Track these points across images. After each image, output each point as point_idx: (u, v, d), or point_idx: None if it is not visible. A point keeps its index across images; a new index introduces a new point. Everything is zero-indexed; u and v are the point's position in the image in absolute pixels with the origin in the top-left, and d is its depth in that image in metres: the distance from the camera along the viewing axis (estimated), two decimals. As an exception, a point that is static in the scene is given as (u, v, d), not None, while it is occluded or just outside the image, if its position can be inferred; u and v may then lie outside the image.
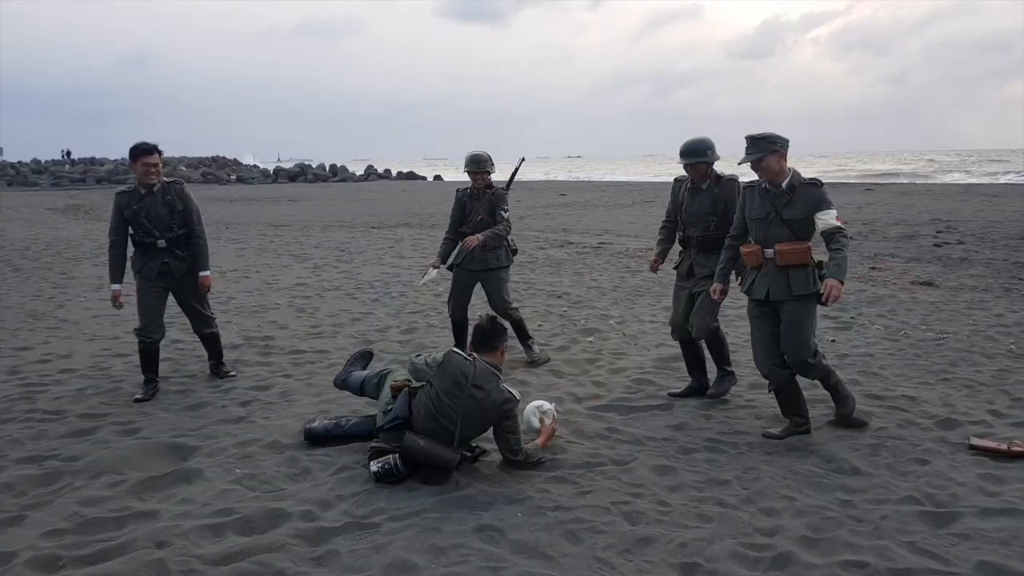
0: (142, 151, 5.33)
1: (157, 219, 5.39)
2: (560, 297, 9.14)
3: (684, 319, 5.37)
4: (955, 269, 11.68)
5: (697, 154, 5.16)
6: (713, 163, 5.22)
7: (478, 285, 6.49)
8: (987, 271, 11.44)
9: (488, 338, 4.24)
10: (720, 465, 4.22)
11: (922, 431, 4.72)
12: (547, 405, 4.61)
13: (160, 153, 5.44)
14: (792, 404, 4.75)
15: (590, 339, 7.02)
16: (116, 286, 5.52)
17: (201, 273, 5.59)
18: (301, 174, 55.38)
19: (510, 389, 4.17)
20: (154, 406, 5.22)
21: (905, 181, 42.09)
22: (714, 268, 4.99)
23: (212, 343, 5.88)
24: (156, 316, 5.51)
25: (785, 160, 4.60)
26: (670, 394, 5.47)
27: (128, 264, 5.56)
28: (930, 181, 42.74)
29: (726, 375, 5.51)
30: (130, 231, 5.46)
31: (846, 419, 4.80)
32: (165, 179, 5.50)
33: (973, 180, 42.64)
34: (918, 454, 4.35)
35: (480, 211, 6.33)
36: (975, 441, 4.47)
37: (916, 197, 27.24)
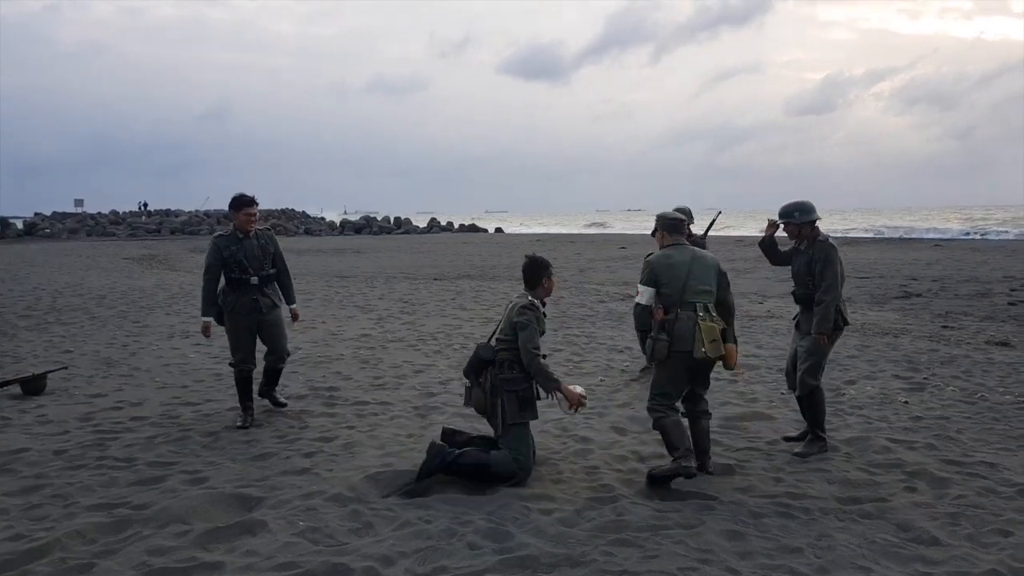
0: (245, 203, 6.07)
1: (252, 259, 6.09)
2: (622, 352, 9.07)
3: (793, 371, 5.59)
4: (1034, 329, 11.22)
5: (785, 215, 5.49)
6: (802, 223, 5.40)
7: None
8: (1069, 331, 10.96)
9: (529, 276, 4.98)
10: (791, 531, 4.09)
11: (1003, 500, 4.50)
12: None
13: (257, 204, 6.18)
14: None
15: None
16: (208, 318, 6.19)
17: (291, 306, 6.44)
18: (366, 226, 56.74)
19: (535, 302, 4.90)
20: (221, 455, 5.33)
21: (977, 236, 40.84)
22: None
23: (277, 376, 6.48)
24: (250, 348, 6.17)
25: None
26: (785, 438, 5.70)
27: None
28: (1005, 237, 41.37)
29: (816, 439, 5.44)
30: (223, 271, 6.11)
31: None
32: (257, 227, 6.22)
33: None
34: (1000, 524, 4.15)
35: None
36: (1063, 513, 4.24)
37: (987, 254, 26.36)
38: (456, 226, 61.98)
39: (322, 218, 67.40)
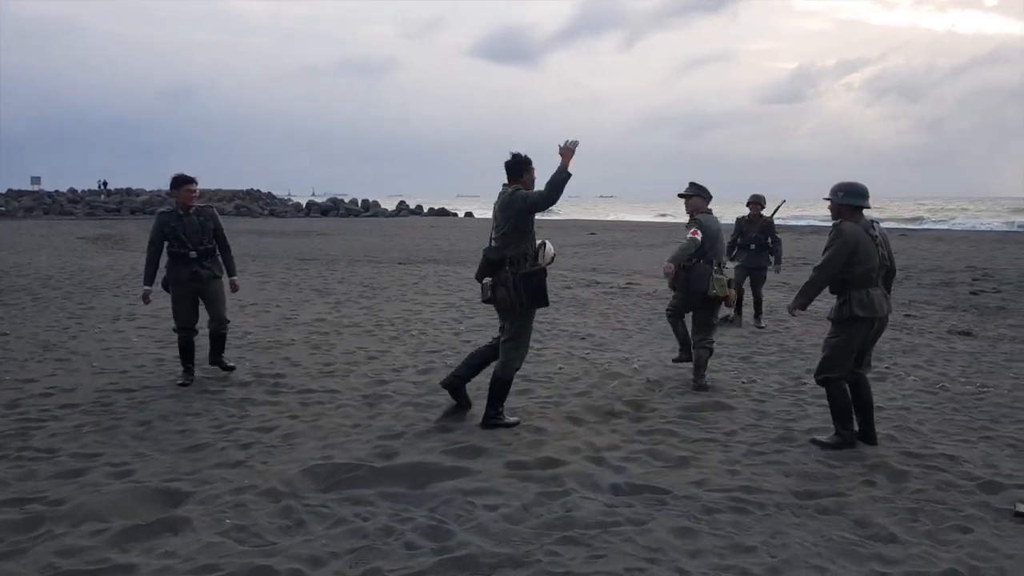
0: (185, 180, 6.51)
1: (192, 234, 6.51)
2: (584, 339, 8.88)
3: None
4: (992, 318, 11.27)
5: (831, 192, 5.17)
6: (841, 204, 5.09)
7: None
8: (1027, 321, 11.00)
9: (512, 168, 5.43)
10: (745, 528, 3.91)
11: (963, 494, 4.38)
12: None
13: (196, 182, 6.61)
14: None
15: (613, 384, 6.74)
16: (148, 287, 6.56)
17: (232, 277, 6.82)
18: (333, 208, 55.96)
19: (521, 190, 5.30)
20: (151, 446, 5.03)
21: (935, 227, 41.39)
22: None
23: (221, 341, 6.87)
24: (190, 317, 6.62)
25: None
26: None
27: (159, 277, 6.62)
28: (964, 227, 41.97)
29: (835, 433, 5.19)
30: (166, 244, 6.51)
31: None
32: (198, 204, 6.65)
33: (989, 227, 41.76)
34: (960, 520, 4.02)
35: (754, 231, 9.99)
36: (1022, 508, 4.12)
37: (951, 243, 26.66)
38: (426, 210, 61.42)
39: (289, 200, 66.40)
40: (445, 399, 6.18)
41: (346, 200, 61.35)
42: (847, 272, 4.95)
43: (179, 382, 6.53)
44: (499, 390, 5.51)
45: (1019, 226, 41.43)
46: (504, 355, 5.49)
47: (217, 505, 4.07)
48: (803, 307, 5.26)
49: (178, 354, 6.72)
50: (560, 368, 7.33)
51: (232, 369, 6.92)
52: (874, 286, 5.01)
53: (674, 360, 7.29)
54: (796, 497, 4.32)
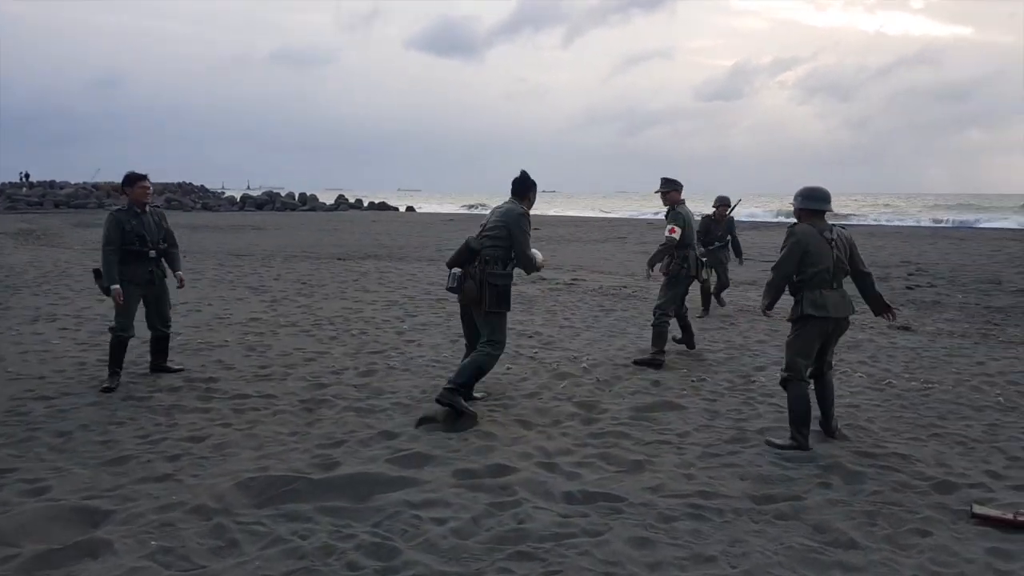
0: (140, 177, 6.49)
1: (151, 233, 6.46)
2: (531, 337, 8.69)
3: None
4: (929, 312, 11.48)
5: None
6: (797, 207, 5.25)
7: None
8: (961, 315, 11.26)
9: (519, 187, 5.80)
10: (704, 537, 3.77)
11: (919, 495, 4.33)
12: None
13: (149, 179, 6.61)
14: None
15: (563, 384, 6.57)
16: (116, 286, 6.25)
17: (178, 272, 6.73)
18: (269, 202, 54.60)
19: (526, 210, 5.74)
20: (70, 459, 4.65)
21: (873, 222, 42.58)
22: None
23: (165, 343, 6.78)
24: (133, 316, 6.43)
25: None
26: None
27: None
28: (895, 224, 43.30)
29: (791, 437, 5.10)
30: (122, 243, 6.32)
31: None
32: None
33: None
34: (918, 523, 3.95)
35: (720, 230, 10.69)
36: (978, 510, 4.08)
37: (885, 239, 27.37)
38: (365, 204, 60.50)
39: (222, 193, 64.60)
40: (387, 403, 5.93)
41: (282, 194, 59.95)
42: (801, 272, 5.03)
43: (105, 386, 6.18)
44: (470, 375, 5.54)
45: (955, 223, 42.99)
46: (481, 355, 5.59)
47: (141, 525, 3.75)
48: (770, 306, 5.26)
49: (107, 356, 6.41)
50: (508, 369, 7.13)
51: (180, 371, 6.74)
52: (828, 287, 5.03)
53: (675, 340, 8.10)
54: (753, 502, 4.21)
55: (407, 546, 3.57)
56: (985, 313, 11.51)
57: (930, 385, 6.76)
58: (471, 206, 70.28)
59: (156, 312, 6.60)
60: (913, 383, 6.84)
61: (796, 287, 5.08)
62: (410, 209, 60.56)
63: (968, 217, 46.08)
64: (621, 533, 3.76)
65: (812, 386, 5.26)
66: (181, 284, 6.75)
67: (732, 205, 11.06)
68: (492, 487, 4.26)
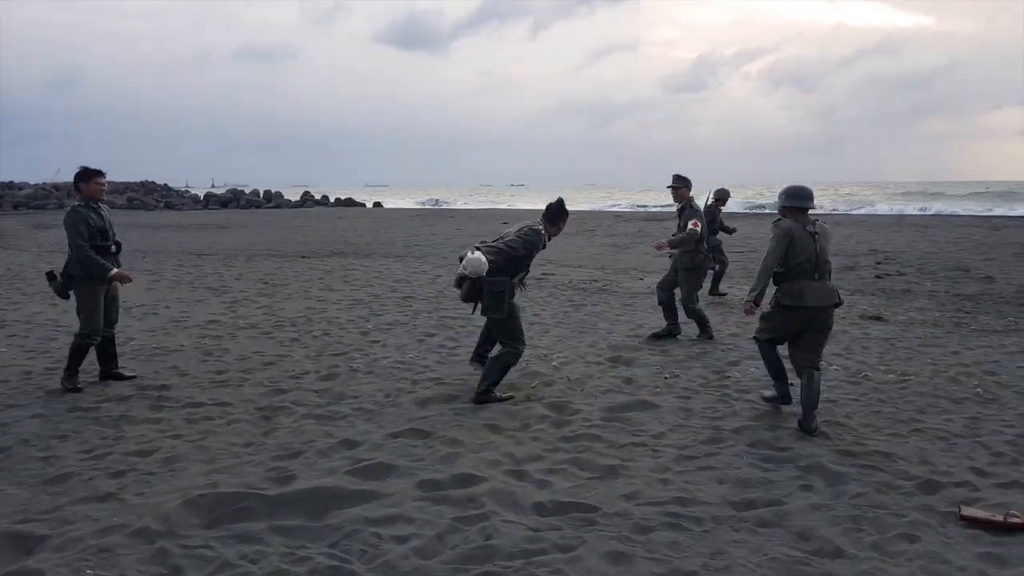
0: (96, 172, 6.21)
1: (111, 228, 6.28)
2: (498, 335, 8.44)
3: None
4: (900, 302, 11.45)
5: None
6: (781, 205, 5.53)
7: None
8: (931, 304, 11.24)
9: (552, 213, 6.06)
10: (683, 548, 3.56)
11: (904, 496, 4.17)
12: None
13: (105, 175, 6.35)
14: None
15: (533, 385, 6.34)
16: (115, 270, 6.15)
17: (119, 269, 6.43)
18: (233, 200, 53.63)
19: (542, 229, 5.93)
20: (7, 478, 4.32)
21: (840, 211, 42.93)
22: None
23: (113, 345, 6.48)
24: (102, 317, 6.22)
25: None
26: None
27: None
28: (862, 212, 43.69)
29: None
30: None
31: None
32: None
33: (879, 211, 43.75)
34: (905, 527, 3.79)
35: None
36: (966, 512, 3.92)
37: (851, 228, 27.50)
38: (332, 200, 59.73)
39: (186, 191, 63.40)
40: (349, 409, 5.66)
41: (247, 191, 58.97)
42: (784, 263, 5.29)
43: (68, 387, 6.06)
44: (498, 372, 5.91)
45: (919, 209, 43.49)
46: (504, 353, 5.95)
47: (77, 551, 3.46)
48: (759, 297, 5.45)
49: (55, 364, 6.32)
50: (476, 369, 6.86)
51: (132, 378, 6.43)
52: (809, 278, 5.26)
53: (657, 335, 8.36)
54: (733, 508, 4.02)
55: (365, 568, 3.32)
56: (955, 301, 11.50)
57: (907, 377, 6.63)
58: (435, 201, 69.66)
59: (106, 312, 6.30)
60: (890, 375, 6.71)
61: (779, 277, 5.34)
62: (377, 205, 59.91)
63: (946, 206, 46.37)
64: (595, 547, 3.54)
65: (798, 385, 5.44)
66: (127, 280, 6.48)
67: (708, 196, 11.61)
68: (458, 499, 4.02)
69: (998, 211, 39.76)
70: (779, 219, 5.41)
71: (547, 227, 5.98)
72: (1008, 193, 59.17)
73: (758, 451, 4.85)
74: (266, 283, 12.69)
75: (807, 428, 5.17)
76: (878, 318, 9.76)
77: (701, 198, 10.30)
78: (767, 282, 5.40)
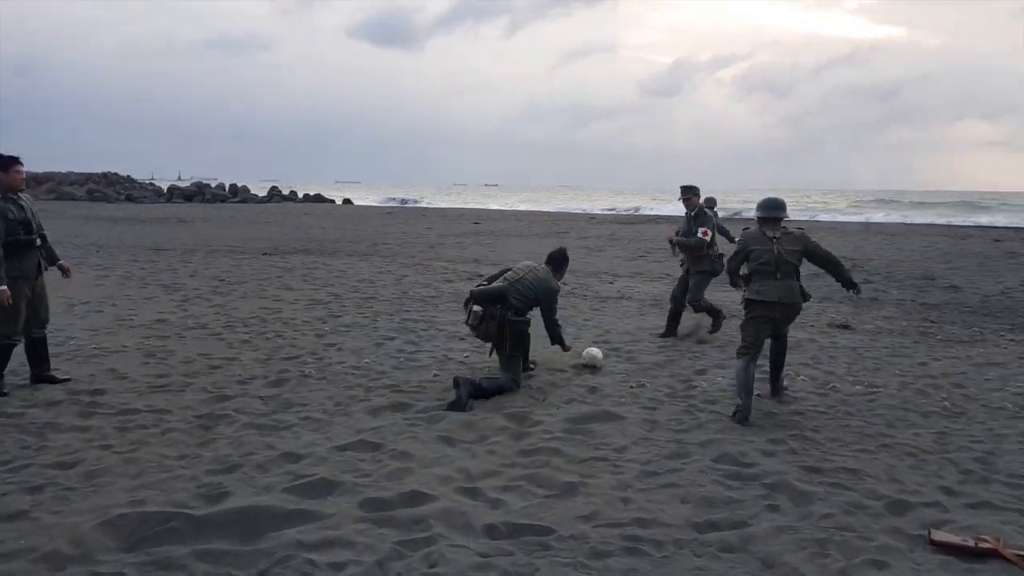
0: (12, 160, 5.77)
1: (34, 220, 5.88)
2: (463, 339, 8.16)
3: None
4: (867, 310, 11.36)
5: None
6: (756, 215, 6.19)
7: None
8: (899, 312, 11.17)
9: (558, 262, 6.66)
10: (642, 576, 3.33)
11: (872, 518, 3.97)
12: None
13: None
14: None
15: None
16: (3, 287, 5.61)
17: (60, 262, 6.24)
18: (198, 194, 52.64)
19: (559, 287, 6.49)
20: (-91, 494, 3.96)
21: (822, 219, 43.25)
22: None
23: (45, 346, 6.09)
24: (24, 316, 5.81)
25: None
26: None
27: None
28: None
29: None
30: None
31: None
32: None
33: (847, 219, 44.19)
34: (873, 553, 3.59)
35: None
36: (936, 536, 3.74)
37: (819, 235, 27.51)
38: (300, 196, 58.95)
39: (150, 184, 62.16)
40: (296, 418, 5.36)
41: (212, 185, 57.94)
42: (748, 266, 5.90)
43: (3, 391, 5.71)
44: (492, 389, 5.95)
45: (888, 216, 43.77)
46: (506, 379, 6.09)
47: (-25, 580, 3.12)
48: (735, 283, 6.38)
49: None
50: (436, 375, 6.60)
51: (66, 381, 6.05)
52: (772, 278, 5.79)
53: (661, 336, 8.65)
54: (695, 530, 3.79)
55: (295, 601, 3.03)
56: (922, 310, 11.45)
57: (875, 389, 6.48)
58: (402, 200, 68.91)
59: (39, 309, 5.97)
60: (858, 387, 6.55)
61: (746, 278, 5.98)
62: (347, 202, 59.25)
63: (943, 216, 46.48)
64: (549, 574, 3.29)
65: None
66: (67, 273, 6.27)
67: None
68: (404, 521, 3.74)
69: (960, 220, 40.35)
70: (747, 228, 6.19)
71: (555, 276, 6.50)
72: (962, 203, 60.12)
73: (723, 467, 4.64)
74: (222, 280, 12.27)
75: (775, 389, 6.06)
76: (846, 327, 9.65)
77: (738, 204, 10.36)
78: (734, 282, 6.34)
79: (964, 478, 4.55)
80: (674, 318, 8.73)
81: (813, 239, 6.13)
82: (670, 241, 8.80)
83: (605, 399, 6.05)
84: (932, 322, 10.35)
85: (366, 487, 4.13)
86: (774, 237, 5.83)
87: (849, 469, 4.62)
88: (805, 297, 5.95)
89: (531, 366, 6.36)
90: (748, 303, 5.85)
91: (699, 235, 8.46)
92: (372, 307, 10.02)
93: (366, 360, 7.06)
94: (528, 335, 6.21)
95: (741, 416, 5.54)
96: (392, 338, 8.09)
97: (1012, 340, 9.02)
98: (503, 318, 5.99)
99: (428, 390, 6.14)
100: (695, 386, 6.51)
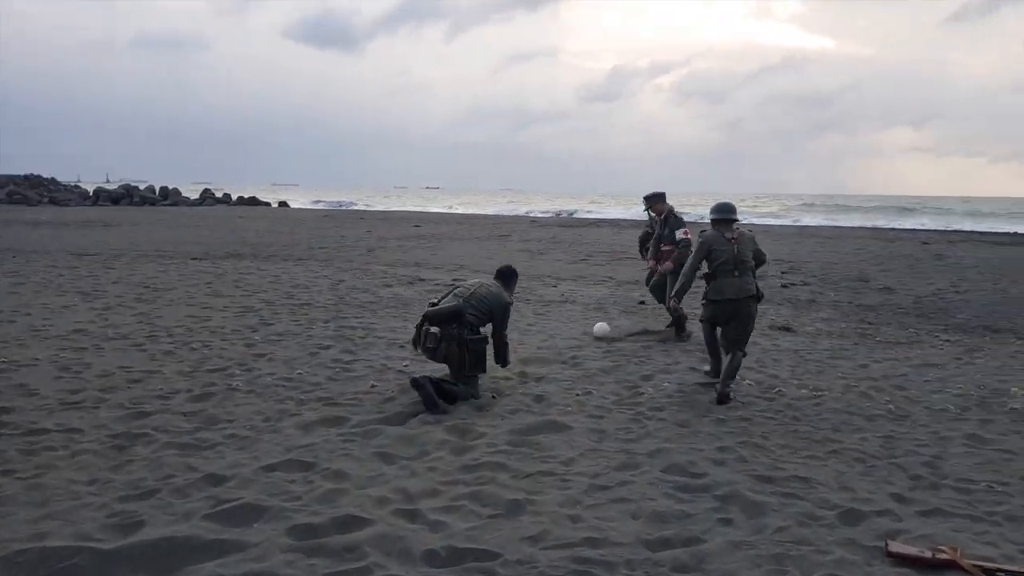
0: None
1: None
2: (403, 347, 7.86)
3: None
4: (806, 311, 11.47)
5: None
6: (710, 218, 6.72)
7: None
8: (836, 314, 11.30)
9: (507, 277, 6.52)
10: (592, 604, 3.12)
11: (826, 529, 3.86)
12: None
13: None
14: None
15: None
16: None
17: None
18: (127, 196, 50.72)
19: (511, 302, 6.29)
20: None
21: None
22: None
23: None
24: None
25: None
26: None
27: None
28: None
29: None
30: None
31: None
32: None
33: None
34: (831, 567, 3.46)
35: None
36: (893, 547, 3.63)
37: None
38: (234, 199, 57.42)
39: (76, 186, 59.74)
40: (220, 436, 5.00)
41: (142, 187, 55.98)
42: (709, 265, 6.38)
43: None
44: (451, 394, 5.82)
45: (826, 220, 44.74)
46: (460, 390, 5.90)
47: None
48: (681, 289, 6.70)
49: None
50: (373, 386, 6.29)
51: None
52: (730, 276, 6.33)
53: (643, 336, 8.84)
54: (648, 548, 3.61)
55: (213, 647, 2.72)
56: (858, 311, 11.61)
57: (820, 393, 6.44)
58: (339, 203, 67.64)
59: None
60: (803, 391, 6.50)
61: (707, 277, 6.43)
62: (283, 204, 57.98)
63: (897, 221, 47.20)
64: (493, 605, 3.05)
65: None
66: None
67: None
68: (335, 549, 3.45)
69: (889, 224, 41.61)
70: (704, 231, 6.56)
71: (505, 291, 6.34)
72: (890, 207, 62.13)
73: (673, 478, 4.48)
74: (147, 287, 11.66)
75: (721, 394, 6.06)
76: (787, 329, 9.68)
77: (638, 207, 10.52)
78: (690, 279, 6.62)
79: (914, 484, 4.48)
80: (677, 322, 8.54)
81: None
82: (664, 270, 8.66)
83: (551, 408, 5.85)
84: (869, 323, 10.48)
85: (295, 512, 3.82)
86: (732, 238, 6.39)
87: (800, 477, 4.52)
88: (759, 294, 6.43)
89: (493, 396, 6.06)
90: (707, 301, 6.46)
91: (679, 235, 8.56)
92: (307, 314, 9.63)
93: (299, 371, 6.71)
94: (485, 353, 6.02)
95: (712, 373, 6.65)
96: (327, 347, 7.74)
97: (947, 341, 9.17)
98: (461, 338, 5.83)
99: (365, 402, 5.84)
100: (642, 392, 6.36)
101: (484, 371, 6.07)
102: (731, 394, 6.09)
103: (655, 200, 8.93)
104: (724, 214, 6.53)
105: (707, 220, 6.90)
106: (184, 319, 8.98)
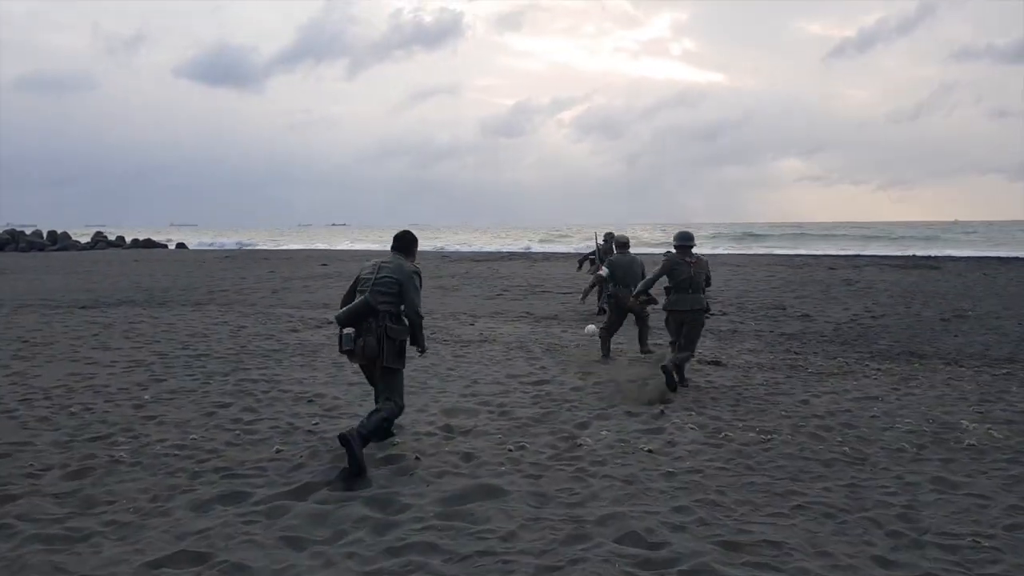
0: None
1: None
2: (310, 402, 7.10)
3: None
4: (730, 342, 11.29)
5: None
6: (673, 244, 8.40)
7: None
8: (761, 344, 11.15)
9: (407, 244, 5.86)
10: None
11: (810, 606, 3.37)
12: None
13: None
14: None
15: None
16: None
17: None
18: (11, 242, 47.39)
19: (418, 268, 5.73)
20: None
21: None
22: None
23: None
24: None
25: None
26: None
27: None
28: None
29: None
30: None
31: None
32: None
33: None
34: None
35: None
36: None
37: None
38: (128, 241, 54.54)
39: (-45, 232, 55.56)
40: (97, 524, 4.17)
41: (28, 232, 52.55)
42: (670, 282, 7.95)
43: None
44: (376, 429, 5.33)
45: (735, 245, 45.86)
46: (386, 409, 5.50)
47: None
48: (641, 291, 8.64)
49: None
50: (278, 451, 5.54)
51: None
52: (684, 292, 7.92)
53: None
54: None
55: None
56: (782, 341, 11.50)
57: (768, 436, 6.04)
58: (240, 243, 64.75)
59: None
60: (750, 434, 6.10)
61: (668, 290, 7.98)
62: (181, 246, 55.46)
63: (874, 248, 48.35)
64: None
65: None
66: None
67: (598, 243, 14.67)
68: None
69: (792, 250, 42.97)
70: (668, 252, 8.49)
71: (407, 259, 5.81)
72: (791, 234, 64.58)
73: (631, 551, 3.93)
74: (25, 342, 10.42)
75: (666, 369, 7.47)
76: (717, 363, 9.36)
77: (588, 240, 11.59)
78: (650, 285, 8.45)
79: (895, 543, 4.08)
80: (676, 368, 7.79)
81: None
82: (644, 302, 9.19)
83: (482, 468, 5.24)
84: (796, 353, 10.33)
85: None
86: (690, 262, 7.98)
87: (770, 541, 4.05)
88: (707, 308, 8.03)
89: (416, 458, 5.37)
90: (669, 312, 8.05)
91: (603, 270, 10.23)
92: (204, 367, 8.70)
93: (193, 436, 5.87)
94: (405, 344, 5.65)
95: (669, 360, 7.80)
96: (226, 405, 6.90)
97: (878, 370, 9.05)
98: (380, 329, 5.43)
99: (269, 471, 5.09)
100: (580, 444, 5.82)
101: (403, 365, 5.67)
102: (675, 378, 7.53)
103: (683, 239, 8.29)
104: (684, 241, 8.11)
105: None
106: (65, 377, 7.92)
